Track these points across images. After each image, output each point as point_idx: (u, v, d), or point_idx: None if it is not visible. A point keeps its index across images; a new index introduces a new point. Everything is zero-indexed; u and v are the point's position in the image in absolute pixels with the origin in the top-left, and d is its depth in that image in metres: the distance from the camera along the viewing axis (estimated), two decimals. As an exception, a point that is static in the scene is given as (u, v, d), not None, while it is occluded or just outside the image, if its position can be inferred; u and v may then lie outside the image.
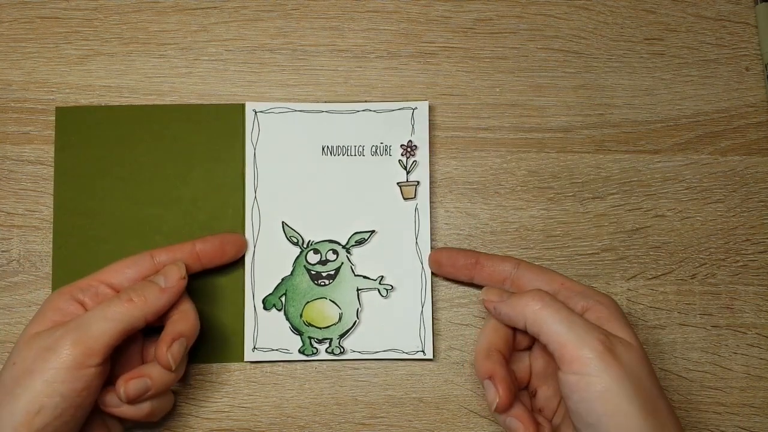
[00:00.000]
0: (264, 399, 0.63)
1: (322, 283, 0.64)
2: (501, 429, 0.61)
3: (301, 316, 0.63)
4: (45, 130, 0.66)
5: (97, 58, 0.67)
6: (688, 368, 0.64)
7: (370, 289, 0.64)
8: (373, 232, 0.64)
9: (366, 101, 0.66)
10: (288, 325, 0.63)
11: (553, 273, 0.59)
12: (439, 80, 0.67)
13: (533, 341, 0.59)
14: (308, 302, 0.64)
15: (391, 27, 0.68)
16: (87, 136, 0.65)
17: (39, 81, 0.66)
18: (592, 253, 0.65)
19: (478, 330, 0.63)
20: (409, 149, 0.65)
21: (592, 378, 0.51)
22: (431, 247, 0.64)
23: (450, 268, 0.62)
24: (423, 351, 0.63)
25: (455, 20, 0.68)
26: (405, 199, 0.65)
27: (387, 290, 0.64)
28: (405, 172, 0.65)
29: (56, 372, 0.52)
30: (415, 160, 0.65)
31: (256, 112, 0.66)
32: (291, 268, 0.64)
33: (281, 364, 0.63)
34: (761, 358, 0.64)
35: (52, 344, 0.52)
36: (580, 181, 0.66)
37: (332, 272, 0.64)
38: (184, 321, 0.57)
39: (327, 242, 0.64)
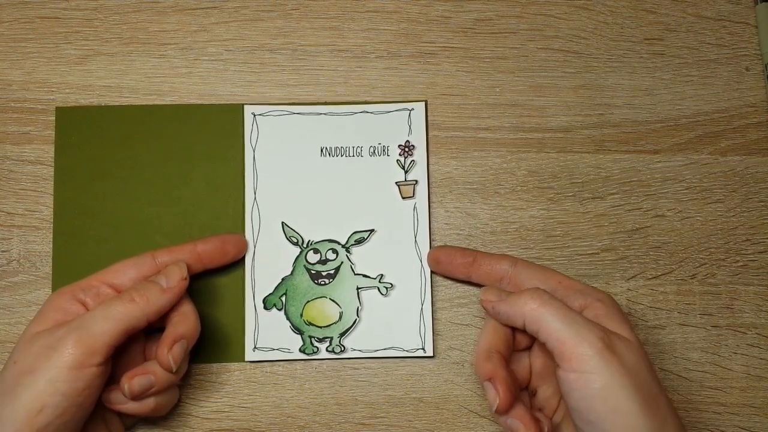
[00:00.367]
0: (264, 399, 0.63)
1: (322, 283, 0.64)
2: (502, 429, 0.61)
3: (301, 315, 0.63)
4: (45, 130, 0.66)
5: (97, 58, 0.67)
6: (688, 368, 0.64)
7: (370, 287, 0.64)
8: (372, 231, 0.64)
9: (366, 101, 0.66)
10: (288, 324, 0.63)
11: (550, 271, 0.60)
12: (439, 80, 0.67)
13: (533, 341, 0.59)
14: (308, 301, 0.64)
15: (391, 27, 0.68)
16: (87, 136, 0.65)
17: (39, 81, 0.66)
18: (592, 253, 0.65)
19: (478, 330, 0.63)
20: (406, 149, 0.65)
21: (592, 375, 0.51)
22: (431, 246, 0.64)
23: (447, 266, 0.63)
24: (423, 348, 0.63)
25: (455, 20, 0.68)
26: (403, 198, 0.65)
27: (387, 289, 0.64)
28: (403, 171, 0.65)
29: (58, 371, 0.52)
30: (413, 160, 0.65)
31: (254, 115, 0.66)
32: (291, 268, 0.64)
33: (281, 364, 0.63)
34: (761, 358, 0.64)
35: (54, 343, 0.52)
36: (580, 181, 0.66)
37: (332, 271, 0.64)
38: (184, 322, 0.57)
39: (327, 242, 0.64)
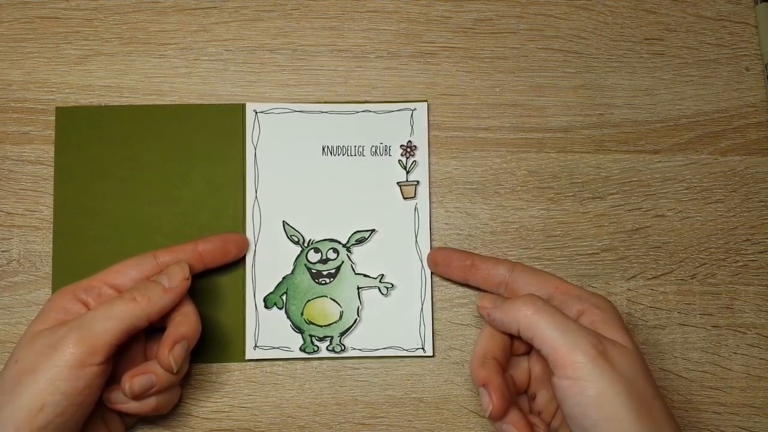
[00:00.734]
0: (264, 399, 0.63)
1: (323, 282, 0.64)
2: (501, 429, 0.61)
3: (302, 314, 0.63)
4: (45, 130, 0.66)
5: (97, 58, 0.67)
6: (688, 368, 0.64)
7: (371, 287, 0.64)
8: (373, 231, 0.65)
9: (366, 101, 0.66)
10: (289, 323, 0.63)
11: (548, 276, 0.59)
12: (439, 80, 0.67)
13: (531, 346, 0.59)
14: (309, 300, 0.64)
15: (391, 27, 0.68)
16: (87, 136, 0.65)
17: (39, 81, 0.66)
18: (592, 253, 0.65)
19: (478, 330, 0.63)
20: (408, 149, 0.65)
21: (585, 382, 0.51)
22: (431, 246, 0.64)
23: (445, 268, 0.63)
24: (423, 348, 0.63)
25: (455, 20, 0.68)
26: (405, 198, 0.65)
27: (387, 288, 0.64)
28: (405, 171, 0.65)
29: (59, 370, 0.52)
30: (415, 160, 0.65)
31: (256, 113, 0.66)
32: (292, 267, 0.64)
33: (281, 364, 0.63)
34: (761, 358, 0.64)
35: (55, 342, 0.52)
36: (580, 181, 0.66)
37: (333, 271, 0.64)
38: (185, 323, 0.57)
39: (327, 241, 0.64)
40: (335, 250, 0.64)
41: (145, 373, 0.55)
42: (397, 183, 0.65)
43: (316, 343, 0.63)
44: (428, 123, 0.66)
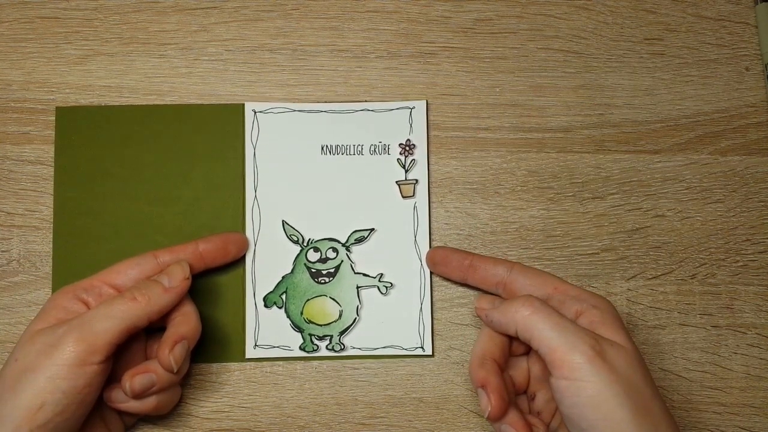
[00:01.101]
0: (264, 399, 0.63)
1: (323, 281, 0.64)
2: (500, 428, 0.61)
3: (301, 313, 0.64)
4: (45, 130, 0.66)
5: (97, 58, 0.67)
6: (688, 368, 0.64)
7: (370, 286, 0.64)
8: (372, 230, 0.65)
9: (366, 101, 0.66)
10: (289, 322, 0.63)
11: (547, 276, 0.59)
12: (439, 80, 0.67)
13: (530, 346, 0.59)
14: (309, 300, 0.64)
15: (391, 27, 0.68)
16: (87, 136, 0.65)
17: (39, 81, 0.66)
18: (592, 253, 0.65)
19: (478, 330, 0.63)
20: (407, 148, 0.65)
21: (583, 383, 0.51)
22: (430, 245, 0.64)
23: (444, 268, 0.63)
24: (422, 347, 0.63)
25: (455, 20, 0.68)
26: (404, 197, 0.65)
27: (386, 288, 0.64)
28: (404, 170, 0.65)
29: (58, 369, 0.52)
30: (414, 159, 0.65)
31: (255, 112, 0.66)
32: (291, 266, 0.64)
33: (281, 364, 0.63)
34: (761, 358, 0.64)
35: (55, 341, 0.53)
36: (580, 181, 0.66)
37: (332, 270, 0.64)
38: (185, 323, 0.57)
39: (327, 240, 0.64)
40: (334, 250, 0.64)
41: (145, 372, 0.55)
42: (396, 182, 0.65)
43: (316, 342, 0.63)
44: (427, 121, 0.66)
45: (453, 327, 0.64)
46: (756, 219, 0.66)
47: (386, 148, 0.65)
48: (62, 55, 0.67)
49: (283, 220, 0.65)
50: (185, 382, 0.63)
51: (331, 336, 0.63)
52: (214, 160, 0.65)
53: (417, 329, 0.64)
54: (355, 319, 0.64)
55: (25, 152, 0.65)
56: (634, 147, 0.67)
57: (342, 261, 0.64)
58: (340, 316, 0.64)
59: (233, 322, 0.63)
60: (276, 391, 0.63)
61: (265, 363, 0.63)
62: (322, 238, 0.64)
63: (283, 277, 0.64)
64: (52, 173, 0.65)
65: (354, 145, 0.65)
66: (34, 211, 0.65)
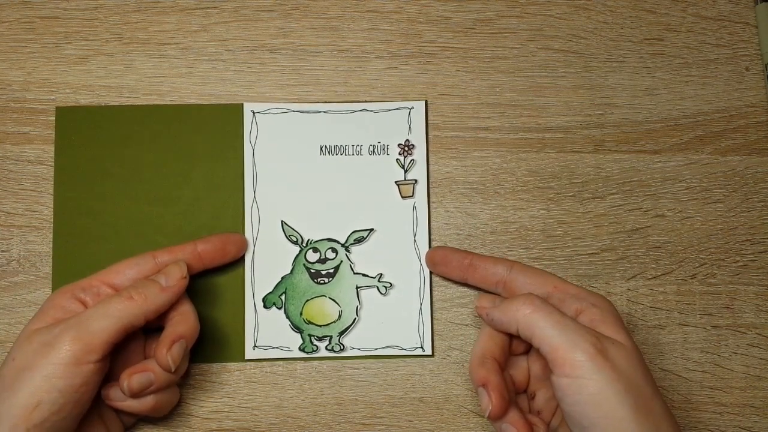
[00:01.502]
0: (264, 399, 0.63)
1: (322, 282, 0.64)
2: (500, 429, 0.61)
3: (301, 314, 0.64)
4: (45, 130, 0.66)
5: (97, 58, 0.67)
6: (688, 368, 0.64)
7: (370, 286, 0.64)
8: (371, 230, 0.65)
9: (365, 101, 0.66)
10: (288, 323, 0.63)
11: (546, 275, 0.59)
12: (439, 80, 0.67)
13: (530, 345, 0.59)
14: (308, 300, 0.64)
15: (391, 27, 0.68)
16: (87, 136, 0.65)
17: (39, 81, 0.66)
18: (592, 253, 0.65)
19: (479, 330, 0.63)
20: (406, 148, 0.65)
21: (584, 381, 0.51)
22: (430, 246, 0.64)
23: (443, 267, 0.63)
24: (422, 347, 0.63)
25: (455, 20, 0.68)
26: (403, 197, 0.65)
27: (386, 288, 0.64)
28: (403, 171, 0.65)
29: (55, 367, 0.52)
30: (413, 159, 0.65)
31: (254, 113, 0.66)
32: (291, 267, 0.64)
33: (281, 364, 0.63)
34: (761, 358, 0.64)
35: (52, 340, 0.53)
36: (580, 181, 0.66)
37: (331, 270, 0.64)
38: (184, 323, 0.57)
39: (326, 241, 0.64)
40: (334, 250, 0.64)
41: (143, 371, 0.55)
42: (395, 182, 0.65)
43: (315, 342, 0.63)
44: (426, 122, 0.66)
45: (453, 327, 0.64)
46: (756, 219, 0.66)
47: (385, 149, 0.65)
48: (62, 55, 0.67)
49: (282, 221, 0.65)
50: (185, 382, 0.63)
51: (331, 336, 0.63)
52: (213, 160, 0.65)
53: (417, 329, 0.64)
54: (355, 319, 0.64)
55: (25, 152, 0.65)
56: (634, 147, 0.67)
57: (341, 261, 0.64)
58: (340, 316, 0.64)
59: (233, 322, 0.63)
60: (276, 391, 0.63)
61: (264, 363, 0.63)
62: (322, 238, 0.65)
63: (282, 278, 0.64)
64: (52, 173, 0.65)
65: (353, 146, 0.65)
66: (34, 211, 0.65)
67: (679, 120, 0.67)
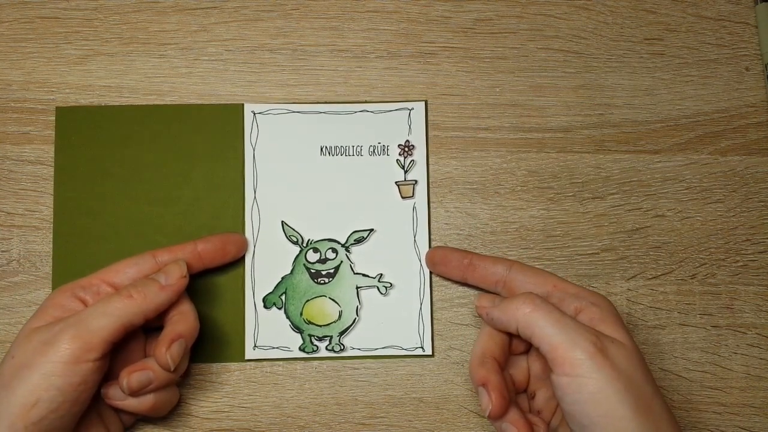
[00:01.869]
0: (264, 399, 0.63)
1: (322, 282, 0.64)
2: (500, 429, 0.61)
3: (301, 314, 0.64)
4: (45, 130, 0.66)
5: (97, 58, 0.67)
6: (688, 368, 0.64)
7: (370, 286, 0.64)
8: (372, 230, 0.65)
9: (365, 101, 0.66)
10: (288, 323, 0.63)
11: (546, 274, 0.59)
12: (439, 80, 0.67)
13: (530, 345, 0.59)
14: (308, 300, 0.64)
15: (391, 27, 0.68)
16: (87, 136, 0.65)
17: (39, 81, 0.66)
18: (592, 253, 0.65)
19: (479, 330, 0.63)
20: (406, 149, 0.65)
21: (584, 380, 0.51)
22: (430, 246, 0.64)
23: (443, 267, 0.63)
24: (422, 347, 0.63)
25: (455, 20, 0.68)
26: (403, 198, 0.65)
27: (386, 288, 0.64)
28: (403, 171, 0.65)
29: (54, 366, 0.52)
30: (413, 160, 0.65)
31: (254, 114, 0.66)
32: (291, 267, 0.64)
33: (281, 364, 0.63)
34: (761, 358, 0.64)
35: (51, 338, 0.53)
36: (580, 181, 0.66)
37: (332, 270, 0.64)
38: (183, 322, 0.57)
39: (326, 241, 0.64)
40: (334, 250, 0.64)
41: (143, 370, 0.55)
42: (396, 182, 0.65)
43: (316, 342, 0.63)
44: (426, 122, 0.66)
45: (453, 327, 0.64)
46: (756, 219, 0.66)
47: (385, 149, 0.65)
48: (62, 55, 0.67)
49: (282, 221, 0.65)
50: (185, 382, 0.63)
51: (331, 336, 0.63)
52: (214, 161, 0.65)
53: (417, 329, 0.64)
54: (355, 319, 0.64)
55: (25, 152, 0.65)
56: (634, 147, 0.67)
57: (341, 261, 0.64)
58: (340, 316, 0.64)
59: (233, 322, 0.63)
60: (276, 391, 0.63)
61: (265, 363, 0.63)
62: (322, 238, 0.65)
63: (282, 278, 0.64)
64: (52, 173, 0.65)
65: (353, 146, 0.66)
66: (34, 211, 0.65)
67: (679, 120, 0.67)
